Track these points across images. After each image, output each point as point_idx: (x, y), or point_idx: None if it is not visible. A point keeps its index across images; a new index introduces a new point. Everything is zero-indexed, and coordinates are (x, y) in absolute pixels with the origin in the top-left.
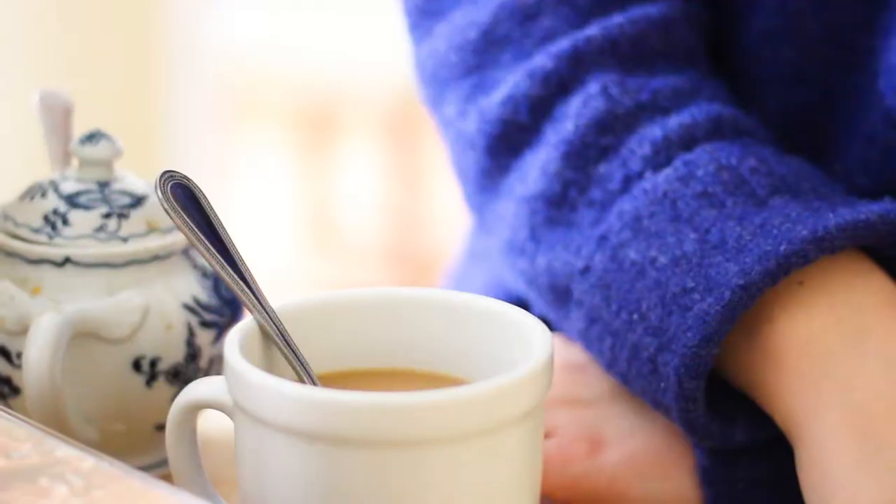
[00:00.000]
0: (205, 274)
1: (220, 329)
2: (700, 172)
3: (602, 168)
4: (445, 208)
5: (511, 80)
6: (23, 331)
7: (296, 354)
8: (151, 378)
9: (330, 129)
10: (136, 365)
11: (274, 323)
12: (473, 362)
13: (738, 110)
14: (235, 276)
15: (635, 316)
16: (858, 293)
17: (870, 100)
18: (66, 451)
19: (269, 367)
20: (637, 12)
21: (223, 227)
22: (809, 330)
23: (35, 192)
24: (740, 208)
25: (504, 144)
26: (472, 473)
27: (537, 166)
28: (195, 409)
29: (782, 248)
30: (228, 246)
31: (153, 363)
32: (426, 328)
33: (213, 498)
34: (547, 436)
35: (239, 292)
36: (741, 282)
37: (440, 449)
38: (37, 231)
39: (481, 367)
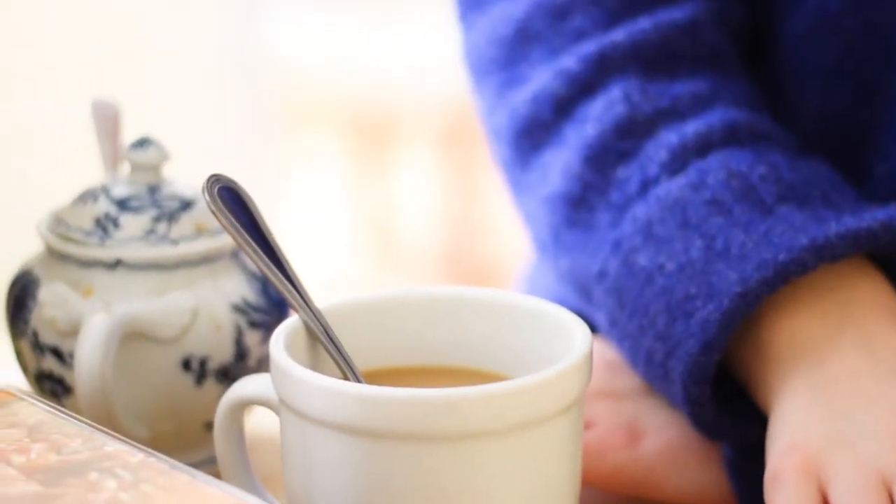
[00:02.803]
0: (253, 275)
1: (268, 329)
2: (711, 180)
3: (621, 172)
4: (502, 216)
5: (539, 79)
6: (75, 331)
7: (340, 352)
8: (201, 377)
9: (386, 138)
10: (186, 364)
11: (319, 321)
12: (515, 359)
13: (757, 114)
14: (280, 276)
15: (645, 322)
16: (847, 291)
17: None
18: (115, 447)
19: (315, 365)
20: (663, 17)
21: (269, 229)
22: (794, 323)
23: (87, 196)
24: (747, 216)
25: (527, 140)
26: (515, 466)
27: (558, 167)
28: (242, 405)
29: (781, 256)
30: (274, 247)
31: (202, 363)
32: (468, 326)
33: (259, 493)
34: (586, 427)
35: (284, 291)
36: (739, 290)
37: (483, 442)
38: (89, 234)
39: (523, 364)
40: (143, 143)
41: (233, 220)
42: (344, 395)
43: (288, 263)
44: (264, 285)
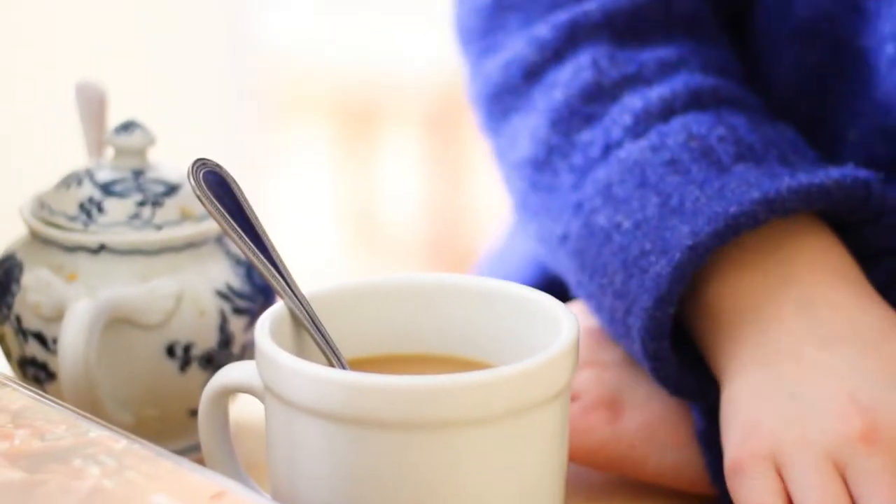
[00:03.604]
0: (238, 261)
1: (253, 316)
2: (670, 141)
3: (585, 135)
4: (487, 202)
5: (512, 46)
6: (59, 317)
7: (325, 339)
8: (185, 364)
9: (372, 124)
10: (170, 351)
11: (304, 308)
12: (501, 346)
13: (726, 79)
14: (266, 262)
15: (604, 281)
16: (792, 249)
17: (880, 65)
18: (99, 433)
19: (300, 352)
20: None
21: (255, 215)
22: (738, 284)
23: (71, 180)
24: (703, 174)
25: (498, 106)
26: (501, 454)
27: (527, 132)
28: (227, 392)
29: (732, 209)
30: (260, 233)
31: (186, 349)
32: (454, 313)
33: (244, 480)
34: (571, 399)
35: (270, 278)
36: (690, 242)
37: (468, 431)
38: (72, 219)
39: (509, 351)
40: (128, 126)
41: (218, 205)
42: (329, 382)
43: (274, 249)
44: (249, 271)
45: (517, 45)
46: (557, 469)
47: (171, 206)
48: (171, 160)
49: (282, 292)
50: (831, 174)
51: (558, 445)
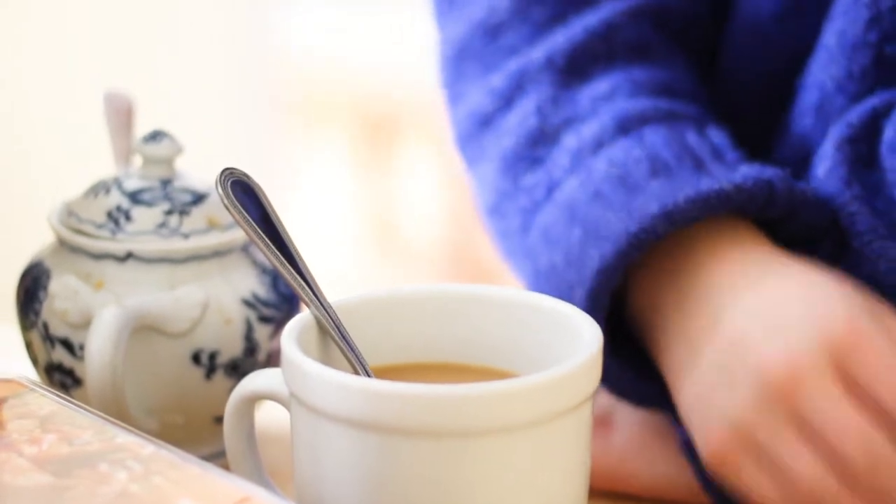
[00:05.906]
0: (264, 270)
1: (278, 324)
2: (595, 175)
3: (529, 178)
4: None
5: (473, 96)
6: (86, 324)
7: (351, 347)
8: (210, 371)
9: (392, 133)
10: (196, 358)
11: (330, 317)
12: (525, 356)
13: (655, 98)
14: (293, 271)
15: None
16: (701, 249)
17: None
18: (126, 438)
19: (325, 360)
20: (577, 25)
21: (281, 224)
22: (652, 293)
23: (99, 189)
24: (621, 199)
25: (467, 154)
26: (523, 464)
27: (484, 180)
28: (253, 399)
29: (632, 227)
30: (287, 242)
31: (212, 357)
32: (478, 324)
33: (269, 487)
34: None
35: (296, 287)
36: (598, 266)
37: (491, 440)
38: (100, 227)
39: (532, 362)
40: (156, 136)
41: (245, 214)
42: (354, 389)
43: (300, 258)
44: (274, 280)
45: (476, 96)
46: (581, 479)
47: (197, 215)
48: (192, 168)
49: (308, 301)
50: (734, 178)
51: (581, 455)
